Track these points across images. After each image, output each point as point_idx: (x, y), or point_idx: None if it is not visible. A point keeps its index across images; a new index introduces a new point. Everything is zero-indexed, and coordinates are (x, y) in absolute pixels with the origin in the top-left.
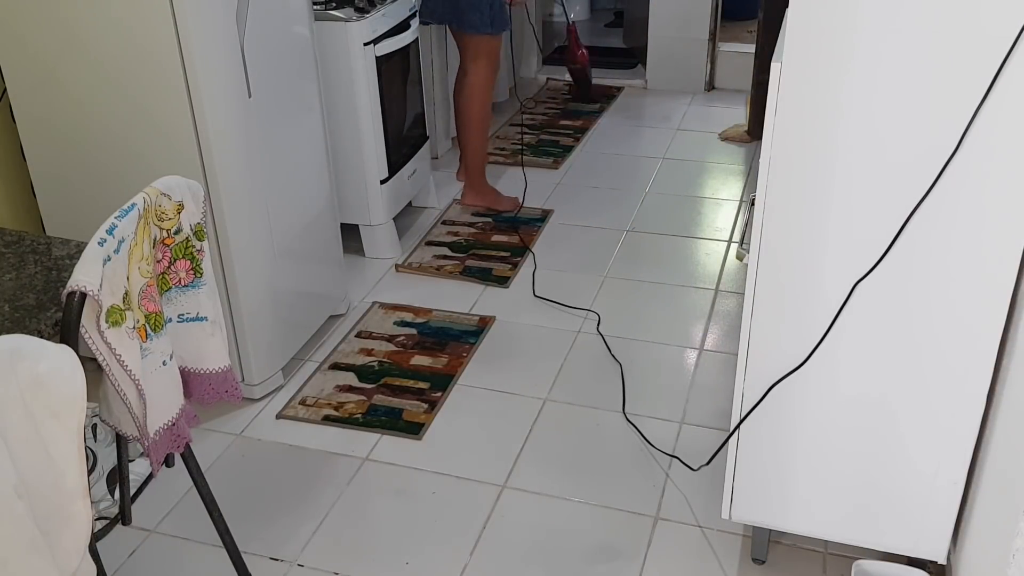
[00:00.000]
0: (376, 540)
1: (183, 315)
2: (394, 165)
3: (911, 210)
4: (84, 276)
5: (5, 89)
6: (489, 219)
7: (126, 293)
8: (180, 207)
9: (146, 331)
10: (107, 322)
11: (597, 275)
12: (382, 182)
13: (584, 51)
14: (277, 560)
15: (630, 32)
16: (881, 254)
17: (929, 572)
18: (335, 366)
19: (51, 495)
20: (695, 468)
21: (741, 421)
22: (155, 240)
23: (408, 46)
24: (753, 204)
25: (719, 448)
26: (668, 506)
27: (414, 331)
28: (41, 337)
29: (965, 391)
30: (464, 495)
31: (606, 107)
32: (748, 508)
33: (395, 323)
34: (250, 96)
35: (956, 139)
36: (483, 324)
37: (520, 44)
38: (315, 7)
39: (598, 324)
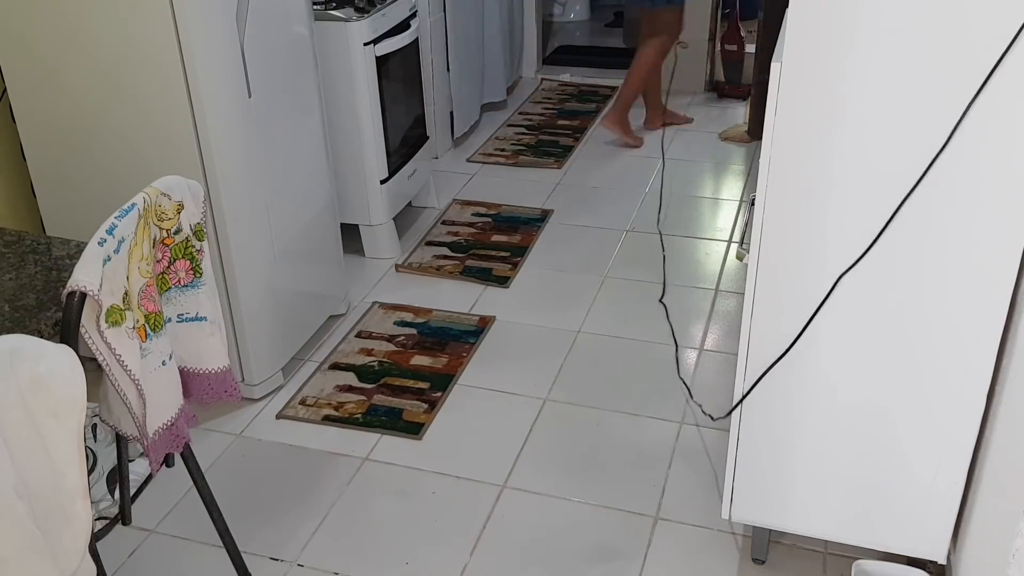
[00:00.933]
0: (376, 540)
1: (183, 315)
2: (394, 165)
3: (911, 210)
4: (84, 276)
5: (5, 89)
6: (489, 219)
7: (126, 293)
8: (180, 207)
9: (146, 331)
10: (107, 322)
11: (597, 275)
12: (382, 182)
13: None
14: (277, 560)
15: (630, 32)
16: (878, 254)
17: (929, 572)
18: (335, 366)
19: (51, 495)
20: (715, 418)
21: (741, 400)
22: (155, 240)
23: (408, 46)
24: (753, 204)
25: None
26: (668, 506)
27: (414, 331)
28: (41, 337)
29: (965, 391)
30: (464, 495)
31: (603, 106)
32: (748, 508)
33: (395, 323)
34: (250, 96)
35: (958, 136)
36: (483, 324)
37: (519, 44)
38: (315, 7)
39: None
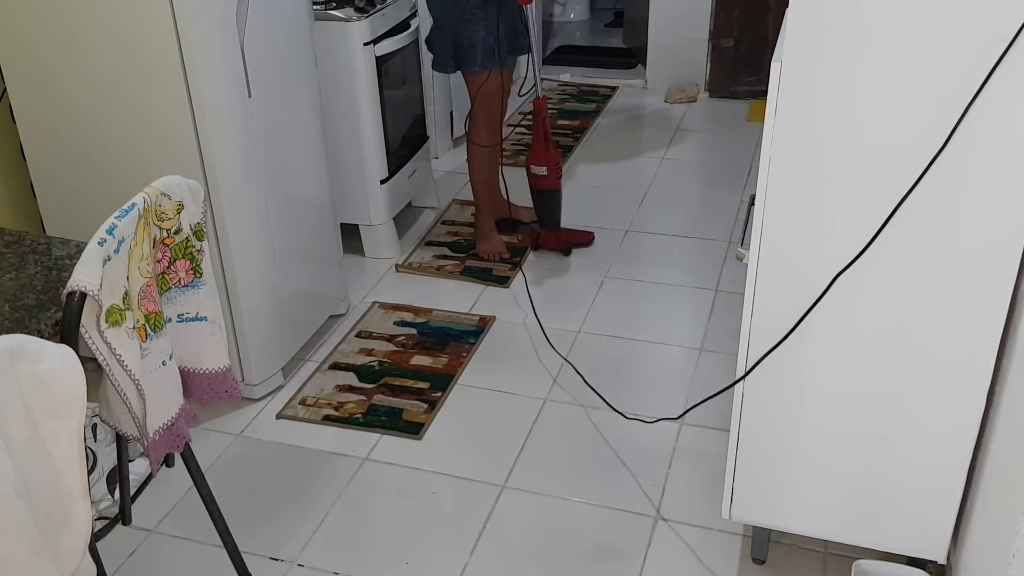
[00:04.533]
0: (376, 540)
1: (183, 315)
2: (394, 165)
3: (910, 209)
4: (84, 276)
5: (5, 89)
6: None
7: (126, 293)
8: (180, 207)
9: (146, 331)
10: (107, 322)
11: (597, 275)
12: (382, 182)
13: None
14: (277, 560)
15: (630, 32)
16: (877, 253)
17: (929, 572)
18: (335, 366)
19: (51, 495)
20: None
21: (736, 383)
22: (155, 240)
23: (408, 46)
24: (753, 204)
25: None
26: (668, 506)
27: (414, 331)
28: (41, 337)
29: (965, 391)
30: (464, 495)
31: (603, 107)
32: (748, 508)
33: (395, 323)
34: (250, 96)
35: (957, 136)
36: (483, 324)
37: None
38: (315, 7)
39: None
